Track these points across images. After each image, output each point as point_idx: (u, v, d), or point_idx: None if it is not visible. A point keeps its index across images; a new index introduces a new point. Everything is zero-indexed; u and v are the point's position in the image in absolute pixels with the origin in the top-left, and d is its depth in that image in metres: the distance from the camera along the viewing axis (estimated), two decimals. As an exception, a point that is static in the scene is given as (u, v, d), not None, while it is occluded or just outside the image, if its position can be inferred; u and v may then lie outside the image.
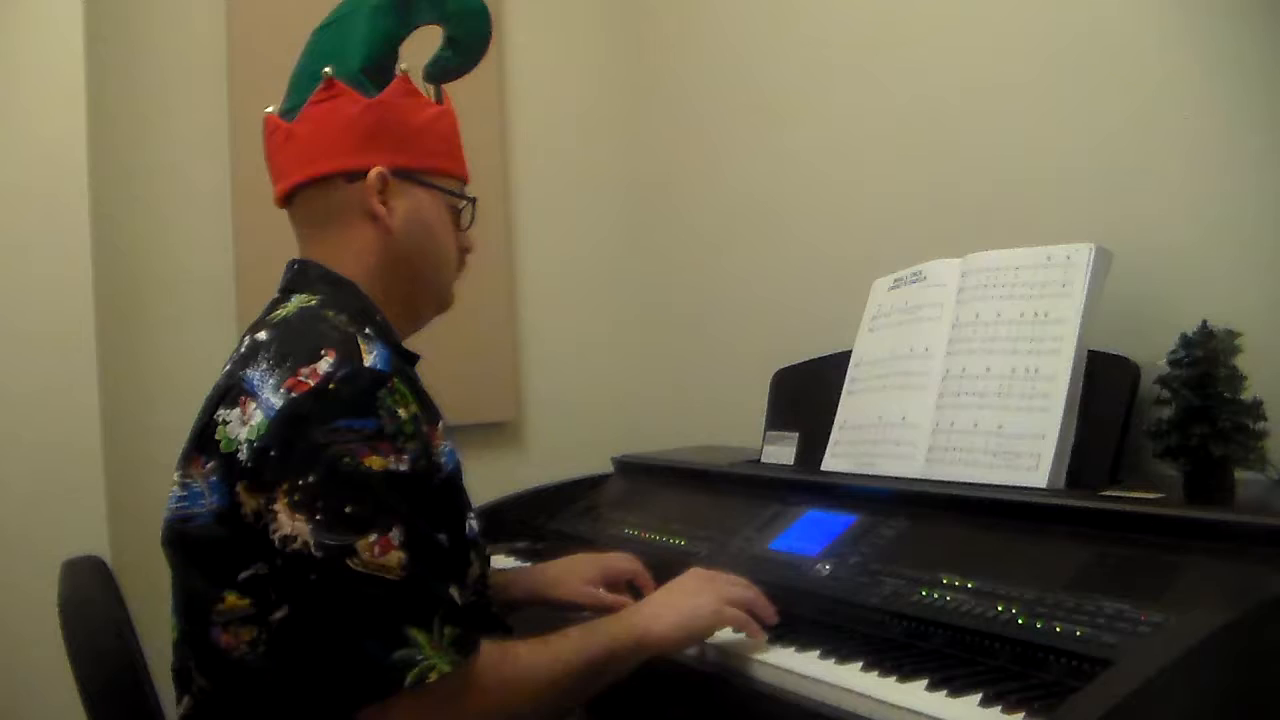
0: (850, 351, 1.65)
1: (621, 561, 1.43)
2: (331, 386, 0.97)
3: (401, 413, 1.00)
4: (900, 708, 0.97)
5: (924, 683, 1.00)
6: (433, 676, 0.93)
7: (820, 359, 1.74)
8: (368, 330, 1.08)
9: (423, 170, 1.18)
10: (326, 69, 1.14)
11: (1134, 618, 0.97)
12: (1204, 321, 1.19)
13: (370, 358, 1.01)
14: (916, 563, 1.23)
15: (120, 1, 2.05)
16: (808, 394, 1.73)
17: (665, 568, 1.44)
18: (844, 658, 1.10)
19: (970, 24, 1.71)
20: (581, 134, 2.55)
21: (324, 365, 0.98)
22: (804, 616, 1.23)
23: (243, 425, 0.99)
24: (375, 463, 0.96)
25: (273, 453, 0.96)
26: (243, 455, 0.98)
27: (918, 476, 1.43)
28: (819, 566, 1.33)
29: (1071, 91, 1.54)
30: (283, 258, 1.19)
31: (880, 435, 1.52)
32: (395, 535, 0.95)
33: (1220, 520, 1.05)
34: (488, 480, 1.71)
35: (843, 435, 1.60)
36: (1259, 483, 1.20)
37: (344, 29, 1.19)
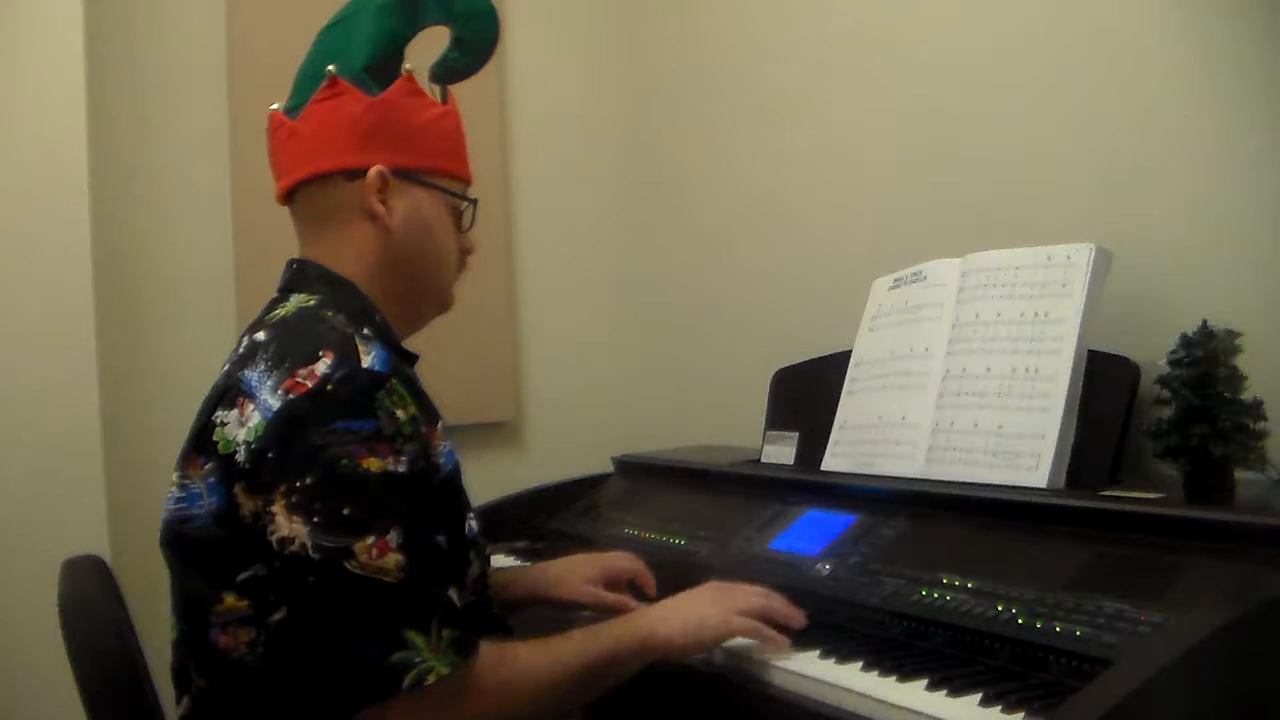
0: (850, 351, 1.65)
1: (622, 560, 1.43)
2: (329, 388, 0.97)
3: (400, 414, 1.00)
4: (900, 707, 0.97)
5: (924, 682, 1.00)
6: (431, 679, 0.93)
7: (820, 359, 1.74)
8: (366, 330, 1.08)
9: (424, 170, 1.18)
10: (330, 67, 1.14)
11: (1134, 618, 0.97)
12: (1204, 321, 1.19)
13: (368, 359, 1.01)
14: (916, 563, 1.23)
15: (120, 1, 2.05)
16: (808, 394, 1.73)
17: (665, 568, 1.44)
18: (844, 657, 1.10)
19: (970, 24, 1.71)
20: (581, 134, 2.55)
21: (322, 366, 0.98)
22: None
23: (241, 426, 0.99)
24: (373, 464, 0.96)
25: (270, 454, 0.96)
26: (241, 457, 0.98)
27: (917, 476, 1.43)
28: (819, 566, 1.33)
29: (1071, 91, 1.54)
30: (283, 257, 1.19)
31: (880, 435, 1.52)
32: (393, 537, 0.95)
33: (1220, 520, 1.05)
34: (488, 480, 1.71)
35: (843, 435, 1.60)
36: (1259, 483, 1.20)
37: (350, 28, 1.19)
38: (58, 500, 1.85)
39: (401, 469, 0.98)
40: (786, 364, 1.82)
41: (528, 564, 1.64)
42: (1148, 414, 1.27)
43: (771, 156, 2.14)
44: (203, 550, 1.01)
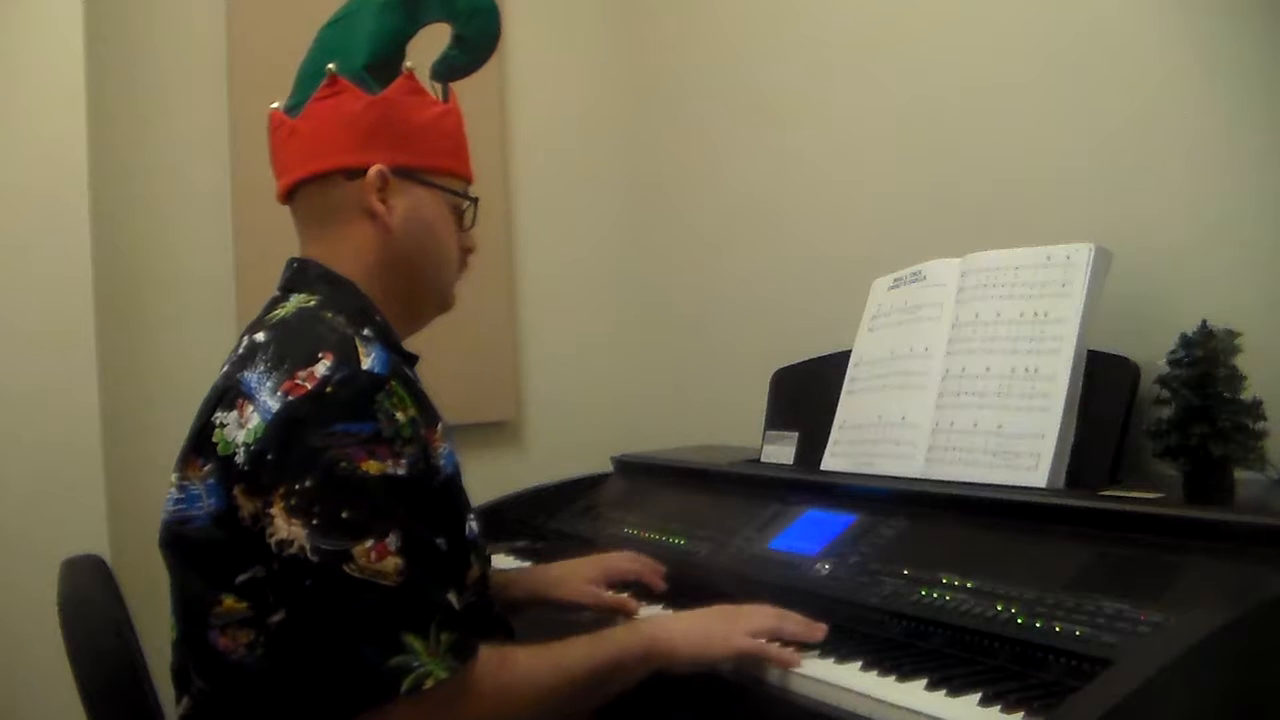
0: (850, 351, 1.65)
1: (624, 562, 1.42)
2: (329, 390, 0.97)
3: (399, 416, 1.00)
4: (899, 707, 0.97)
5: (923, 682, 1.00)
6: (429, 683, 0.93)
7: (820, 359, 1.74)
8: (366, 331, 1.07)
9: (424, 169, 1.17)
10: (330, 65, 1.14)
11: (1134, 617, 0.97)
12: (1204, 321, 1.19)
13: (368, 360, 1.00)
14: (916, 562, 1.23)
15: (120, 1, 2.05)
16: (807, 394, 1.73)
17: (665, 568, 1.44)
18: (843, 657, 1.09)
19: (970, 24, 1.71)
20: (581, 133, 2.55)
21: (321, 368, 0.98)
22: (803, 616, 1.23)
23: (240, 428, 0.99)
24: (372, 467, 0.96)
25: (270, 456, 0.96)
26: (240, 458, 0.98)
27: (917, 476, 1.43)
28: (818, 566, 1.33)
29: (1071, 91, 1.54)
30: (283, 257, 1.19)
31: (880, 435, 1.52)
32: (392, 541, 0.95)
33: (1220, 520, 1.05)
34: (487, 480, 1.71)
35: (842, 435, 1.60)
36: (1259, 482, 1.20)
37: (350, 26, 1.19)
38: (58, 500, 1.85)
39: (401, 471, 0.98)
40: (786, 364, 1.82)
41: (529, 565, 1.64)
42: (1147, 414, 1.27)
43: (771, 156, 2.14)
44: (202, 552, 1.00)
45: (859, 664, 1.07)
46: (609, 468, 2.02)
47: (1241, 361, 1.18)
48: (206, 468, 1.01)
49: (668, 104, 2.46)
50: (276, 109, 1.19)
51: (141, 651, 1.10)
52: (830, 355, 1.70)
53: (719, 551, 1.50)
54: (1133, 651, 0.92)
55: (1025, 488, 1.28)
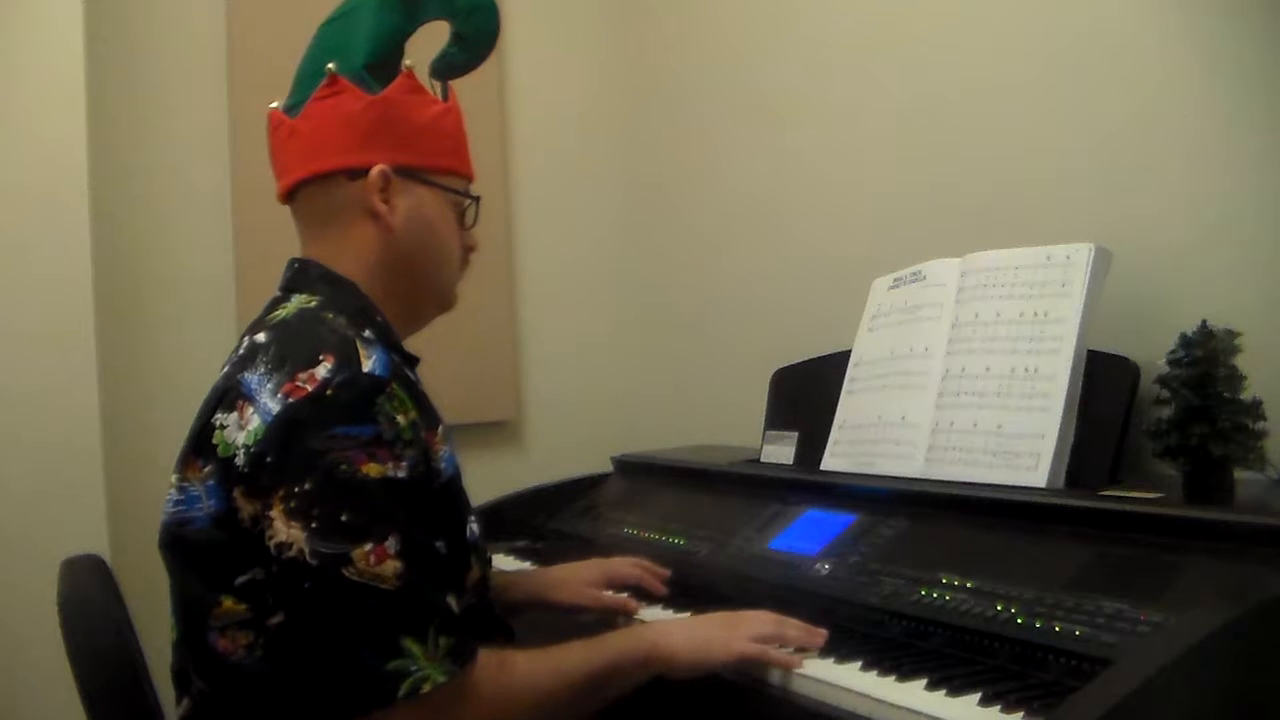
0: (850, 351, 1.65)
1: (625, 567, 1.42)
2: (329, 392, 0.97)
3: (400, 419, 0.99)
4: (899, 707, 0.97)
5: (923, 682, 1.00)
6: (427, 687, 0.92)
7: (820, 359, 1.74)
8: (367, 333, 1.07)
9: (426, 168, 1.17)
10: (330, 65, 1.13)
11: (1133, 617, 0.97)
12: (1204, 321, 1.19)
13: (369, 363, 1.00)
14: (916, 562, 1.23)
15: (120, 1, 2.05)
16: (807, 394, 1.73)
17: (665, 568, 1.44)
18: (843, 657, 1.09)
19: (970, 23, 1.71)
20: (581, 133, 2.55)
21: (322, 370, 0.98)
22: (803, 616, 1.23)
23: (240, 430, 0.99)
24: (373, 470, 0.96)
25: (269, 459, 0.96)
26: (240, 460, 0.98)
27: (917, 476, 1.43)
28: (818, 566, 1.33)
29: (1071, 91, 1.54)
30: (283, 257, 1.18)
31: (880, 435, 1.52)
32: (391, 544, 0.94)
33: (1220, 520, 1.05)
34: (487, 480, 1.71)
35: (842, 435, 1.60)
36: (1258, 482, 1.20)
37: (349, 24, 1.18)
38: (58, 500, 1.85)
39: (401, 474, 0.98)
40: (786, 364, 1.82)
41: (530, 567, 1.64)
42: (1147, 414, 1.27)
43: (771, 156, 2.14)
44: (201, 553, 1.00)
45: (859, 664, 1.07)
46: (609, 468, 2.02)
47: (1241, 361, 1.18)
48: (206, 469, 1.01)
49: (668, 104, 2.46)
50: (275, 108, 1.19)
51: (141, 651, 1.10)
52: (830, 355, 1.70)
53: (719, 551, 1.50)
54: (1132, 651, 0.92)
55: (1025, 488, 1.28)
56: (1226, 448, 1.14)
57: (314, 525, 0.93)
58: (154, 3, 2.10)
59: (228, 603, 0.98)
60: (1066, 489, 1.27)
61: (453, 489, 1.09)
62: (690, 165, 2.39)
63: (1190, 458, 1.17)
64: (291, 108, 1.17)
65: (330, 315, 1.07)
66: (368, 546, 0.93)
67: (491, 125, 2.38)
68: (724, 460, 1.82)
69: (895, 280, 1.62)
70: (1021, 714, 0.92)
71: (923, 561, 1.22)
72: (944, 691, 0.98)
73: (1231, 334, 1.18)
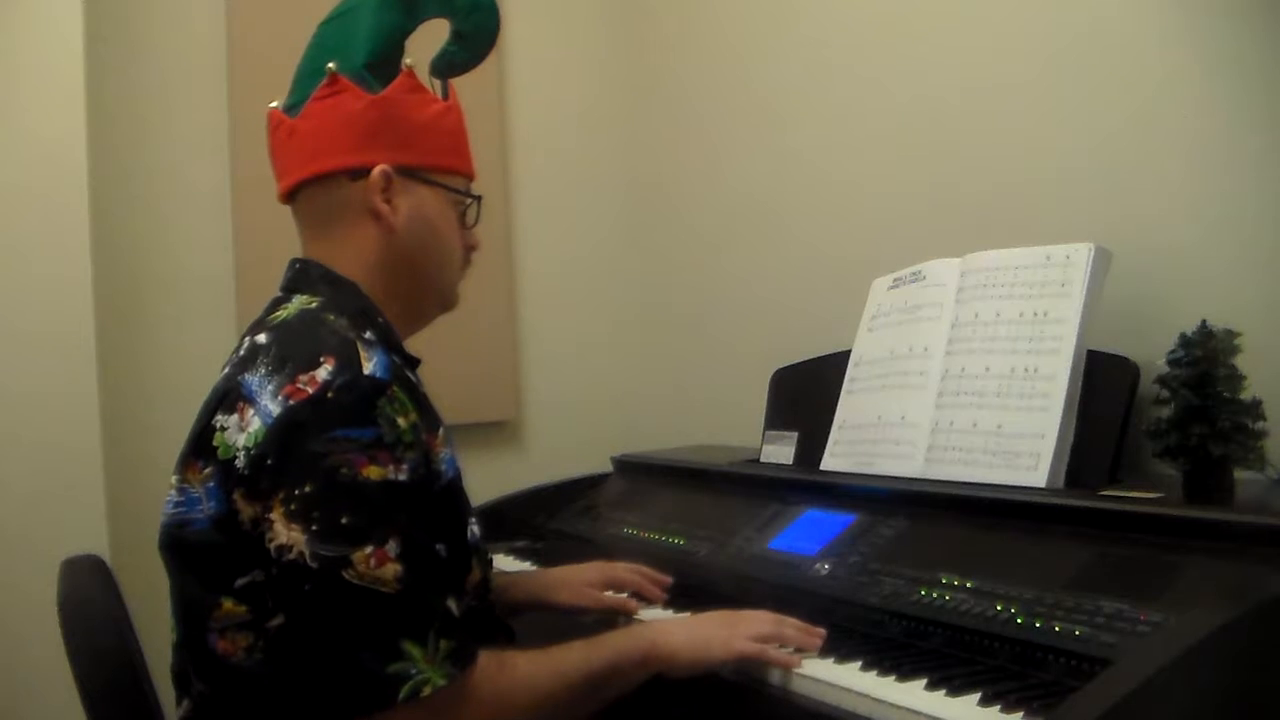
0: (850, 351, 1.65)
1: (626, 572, 1.42)
2: (330, 395, 0.96)
3: (401, 421, 0.99)
4: (899, 707, 0.97)
5: (923, 682, 1.00)
6: (427, 690, 0.92)
7: (820, 359, 1.74)
8: (368, 334, 1.06)
9: (427, 168, 1.16)
10: (330, 64, 1.13)
11: (1133, 617, 0.98)
12: (1203, 321, 1.19)
13: (370, 365, 1.00)
14: (915, 562, 1.23)
15: (120, 1, 2.05)
16: (807, 394, 1.73)
17: (665, 567, 1.44)
18: (842, 657, 1.09)
19: (970, 24, 1.71)
20: (581, 133, 2.55)
21: (323, 373, 0.97)
22: (803, 616, 1.23)
23: (240, 432, 0.99)
24: (373, 473, 0.95)
25: (270, 461, 0.96)
26: (240, 462, 0.98)
27: (917, 476, 1.43)
28: (818, 566, 1.33)
29: (1071, 91, 1.54)
30: (283, 258, 1.18)
31: (879, 435, 1.52)
32: (392, 547, 0.94)
33: (1220, 520, 1.05)
34: (487, 480, 1.71)
35: (842, 435, 1.60)
36: (1258, 482, 1.20)
37: (349, 23, 1.18)
38: (58, 500, 1.85)
39: (402, 477, 0.98)
40: (786, 364, 1.82)
41: (531, 568, 1.64)
42: (1147, 414, 1.27)
43: (771, 156, 2.14)
44: (201, 555, 1.00)
45: (859, 664, 1.07)
46: (609, 468, 2.02)
47: (1241, 361, 1.18)
48: (206, 470, 1.00)
49: (668, 104, 2.46)
50: (275, 108, 1.18)
51: (141, 651, 1.10)
52: (830, 355, 1.70)
53: (718, 551, 1.50)
54: (1132, 651, 0.92)
55: (1025, 488, 1.28)
56: (1226, 448, 1.14)
57: (314, 528, 0.93)
58: (154, 3, 2.10)
59: (228, 604, 0.98)
60: (1066, 489, 1.27)
61: (453, 491, 1.09)
62: (690, 165, 2.39)
63: (1190, 458, 1.17)
64: (291, 107, 1.17)
65: (331, 316, 1.06)
66: (368, 549, 0.93)
67: (491, 125, 2.38)
68: (724, 460, 1.82)
69: (895, 280, 1.62)
70: (1021, 714, 0.92)
71: (922, 561, 1.22)
72: (944, 691, 0.98)
73: (1231, 334, 1.18)
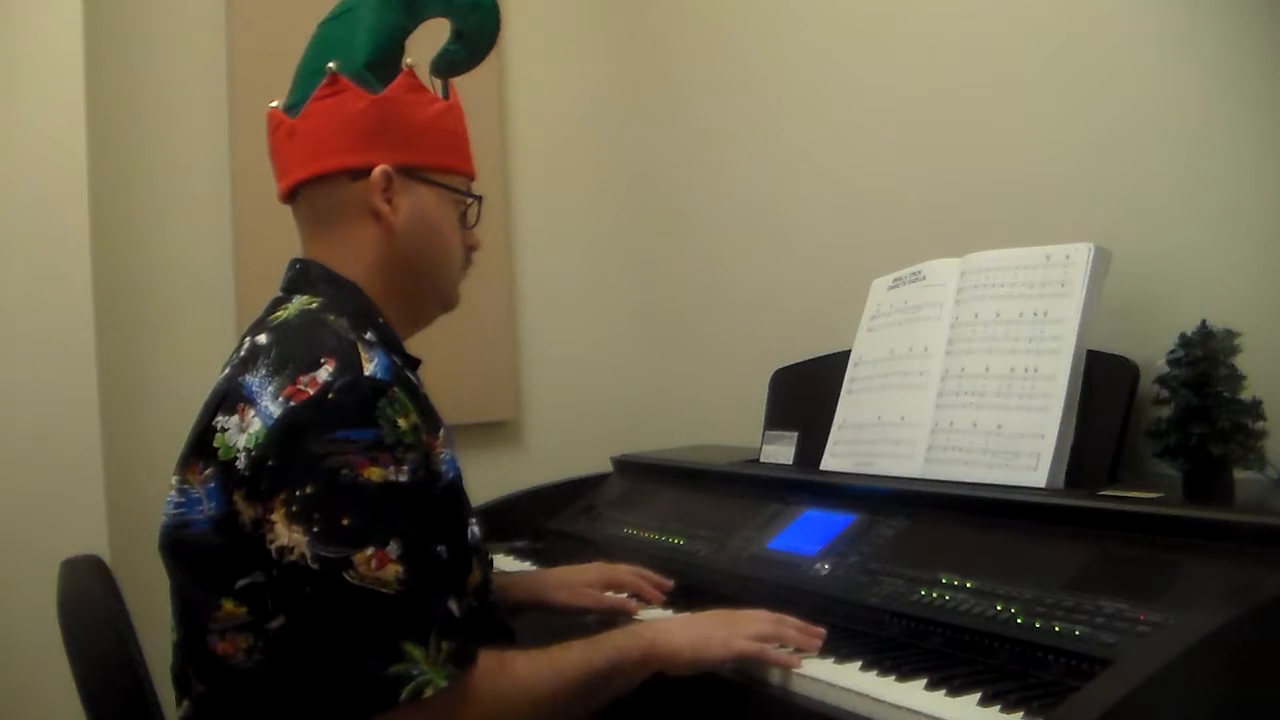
0: (849, 351, 1.65)
1: (626, 574, 1.42)
2: (331, 396, 0.96)
3: (401, 423, 0.99)
4: (899, 707, 0.97)
5: (923, 682, 1.00)
6: (428, 691, 0.92)
7: (819, 358, 1.74)
8: (369, 335, 1.06)
9: (428, 168, 1.16)
10: (330, 64, 1.13)
11: (1133, 617, 0.98)
12: (1203, 321, 1.19)
13: (370, 366, 1.00)
14: (915, 562, 1.23)
15: (120, 1, 2.05)
16: (807, 393, 1.73)
17: (665, 568, 1.44)
18: (842, 657, 1.10)
19: (970, 23, 1.71)
20: (581, 133, 2.54)
21: (323, 374, 0.97)
22: (803, 616, 1.23)
23: (241, 433, 0.99)
24: (374, 474, 0.95)
25: (270, 462, 0.96)
26: (241, 463, 0.98)
27: (917, 476, 1.43)
28: (818, 566, 1.33)
29: (1072, 91, 1.54)
30: (283, 258, 1.18)
31: (879, 435, 1.52)
32: (392, 549, 0.94)
33: (1219, 520, 1.05)
34: (487, 480, 1.71)
35: (842, 435, 1.60)
36: (1258, 482, 1.20)
37: (349, 23, 1.18)
38: (57, 500, 1.85)
39: (403, 478, 0.97)
40: (786, 364, 1.82)
41: (530, 567, 1.64)
42: (1147, 414, 1.27)
43: (771, 156, 2.14)
44: (201, 556, 1.00)
45: (859, 664, 1.07)
46: (609, 468, 2.02)
47: (1241, 361, 1.18)
48: (207, 471, 1.00)
49: (668, 104, 2.46)
50: (275, 108, 1.18)
51: (141, 651, 1.10)
52: (830, 355, 1.70)
53: (718, 551, 1.50)
54: (1132, 651, 0.92)
55: (1025, 488, 1.28)
56: (1226, 447, 1.15)
57: (315, 529, 0.93)
58: (154, 3, 2.10)
59: (228, 606, 0.98)
60: (1066, 489, 1.27)
61: (454, 492, 1.09)
62: (690, 165, 2.39)
63: (1190, 457, 1.17)
64: (291, 107, 1.17)
65: (332, 317, 1.06)
66: (369, 551, 0.93)
67: (491, 125, 2.38)
68: (724, 460, 1.82)
69: (895, 280, 1.62)
70: (1021, 714, 0.92)
71: (922, 561, 1.22)
72: (944, 691, 0.98)
73: (1231, 334, 1.18)
